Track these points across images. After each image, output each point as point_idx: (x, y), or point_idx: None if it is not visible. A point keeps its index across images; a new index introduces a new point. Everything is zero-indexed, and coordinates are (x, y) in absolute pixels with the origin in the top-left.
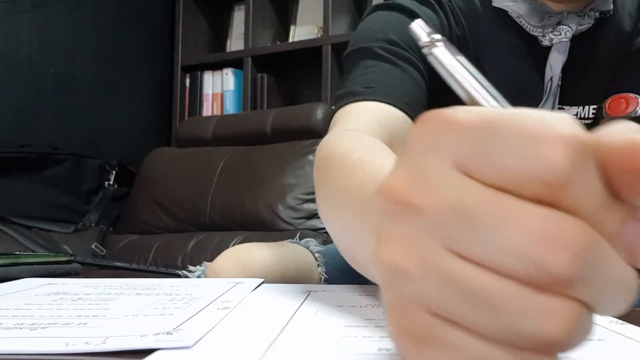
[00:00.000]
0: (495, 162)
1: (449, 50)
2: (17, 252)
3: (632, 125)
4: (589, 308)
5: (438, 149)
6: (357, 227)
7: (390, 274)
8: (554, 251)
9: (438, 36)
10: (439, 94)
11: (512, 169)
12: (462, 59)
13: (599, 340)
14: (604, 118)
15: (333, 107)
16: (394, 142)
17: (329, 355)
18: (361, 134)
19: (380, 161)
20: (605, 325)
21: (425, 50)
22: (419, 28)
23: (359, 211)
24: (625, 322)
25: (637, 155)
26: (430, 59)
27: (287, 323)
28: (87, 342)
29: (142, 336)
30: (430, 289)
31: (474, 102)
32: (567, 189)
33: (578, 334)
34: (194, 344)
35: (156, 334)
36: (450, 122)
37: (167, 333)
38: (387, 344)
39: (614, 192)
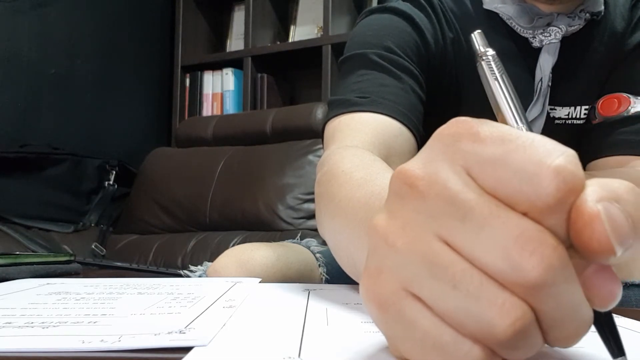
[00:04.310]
0: (498, 174)
1: (496, 65)
2: (17, 252)
3: (619, 188)
4: (541, 325)
5: (455, 150)
6: (361, 235)
7: (379, 242)
8: (532, 256)
9: (490, 51)
10: (437, 98)
11: (510, 184)
12: (505, 76)
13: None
14: (596, 118)
15: (326, 108)
16: (391, 154)
17: (364, 349)
18: (361, 151)
19: (382, 179)
20: None
21: (477, 59)
22: (476, 39)
23: (364, 220)
24: (619, 316)
25: (590, 234)
26: (478, 68)
27: (305, 320)
28: (102, 340)
29: (155, 335)
30: (407, 263)
31: (501, 115)
32: (550, 215)
33: (520, 339)
34: (209, 342)
35: (169, 333)
36: (473, 132)
37: (180, 332)
38: None
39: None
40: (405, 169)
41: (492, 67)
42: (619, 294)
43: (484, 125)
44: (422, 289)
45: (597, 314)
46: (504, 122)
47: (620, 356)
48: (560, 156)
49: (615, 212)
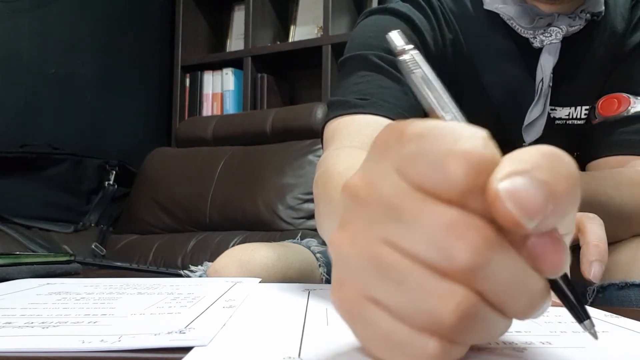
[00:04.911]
0: (419, 169)
1: (419, 62)
2: (17, 252)
3: (532, 157)
4: (491, 304)
5: (387, 155)
6: None
7: (336, 255)
8: (458, 242)
9: (410, 47)
10: None
11: (428, 176)
12: (429, 71)
13: (603, 332)
14: (596, 118)
15: (326, 108)
16: None
17: (364, 349)
18: (359, 152)
19: None
20: (603, 319)
21: (397, 59)
22: (393, 38)
23: None
24: (619, 316)
25: (497, 213)
26: (400, 67)
27: (305, 320)
28: (102, 340)
29: (155, 335)
30: (361, 271)
31: (433, 112)
32: (470, 198)
33: (469, 322)
34: (209, 342)
35: (169, 333)
36: (399, 132)
37: (180, 332)
38: None
39: None
40: (350, 182)
41: (420, 63)
42: (566, 257)
43: (410, 125)
44: (376, 292)
45: (553, 283)
46: (435, 116)
47: (586, 319)
48: (467, 141)
49: (520, 186)
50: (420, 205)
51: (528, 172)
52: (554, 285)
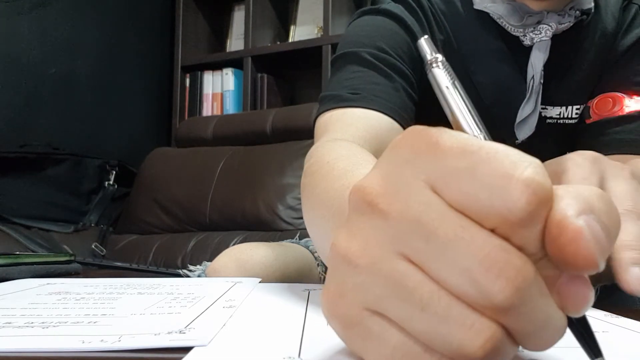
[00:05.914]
0: (465, 188)
1: (447, 72)
2: (17, 252)
3: (591, 197)
4: (513, 338)
5: (416, 164)
6: (334, 228)
7: (341, 262)
8: (498, 280)
9: (440, 57)
10: (429, 102)
11: (478, 198)
12: (457, 83)
13: (603, 332)
14: (590, 117)
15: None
16: (383, 149)
17: None
18: (349, 143)
19: (363, 169)
20: (603, 319)
21: (426, 67)
22: (426, 46)
23: (337, 215)
24: (619, 316)
25: (576, 250)
26: (429, 77)
27: (305, 320)
28: (102, 340)
29: (155, 335)
30: (371, 284)
31: (457, 125)
32: (522, 229)
33: (492, 357)
34: (209, 342)
35: (169, 333)
36: (433, 142)
37: (180, 332)
38: None
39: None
40: (364, 185)
41: (444, 73)
42: (591, 298)
43: (444, 135)
44: (388, 310)
45: (570, 318)
46: (460, 129)
47: (598, 357)
48: (527, 167)
49: (595, 226)
50: (457, 232)
51: (595, 212)
52: (570, 320)
